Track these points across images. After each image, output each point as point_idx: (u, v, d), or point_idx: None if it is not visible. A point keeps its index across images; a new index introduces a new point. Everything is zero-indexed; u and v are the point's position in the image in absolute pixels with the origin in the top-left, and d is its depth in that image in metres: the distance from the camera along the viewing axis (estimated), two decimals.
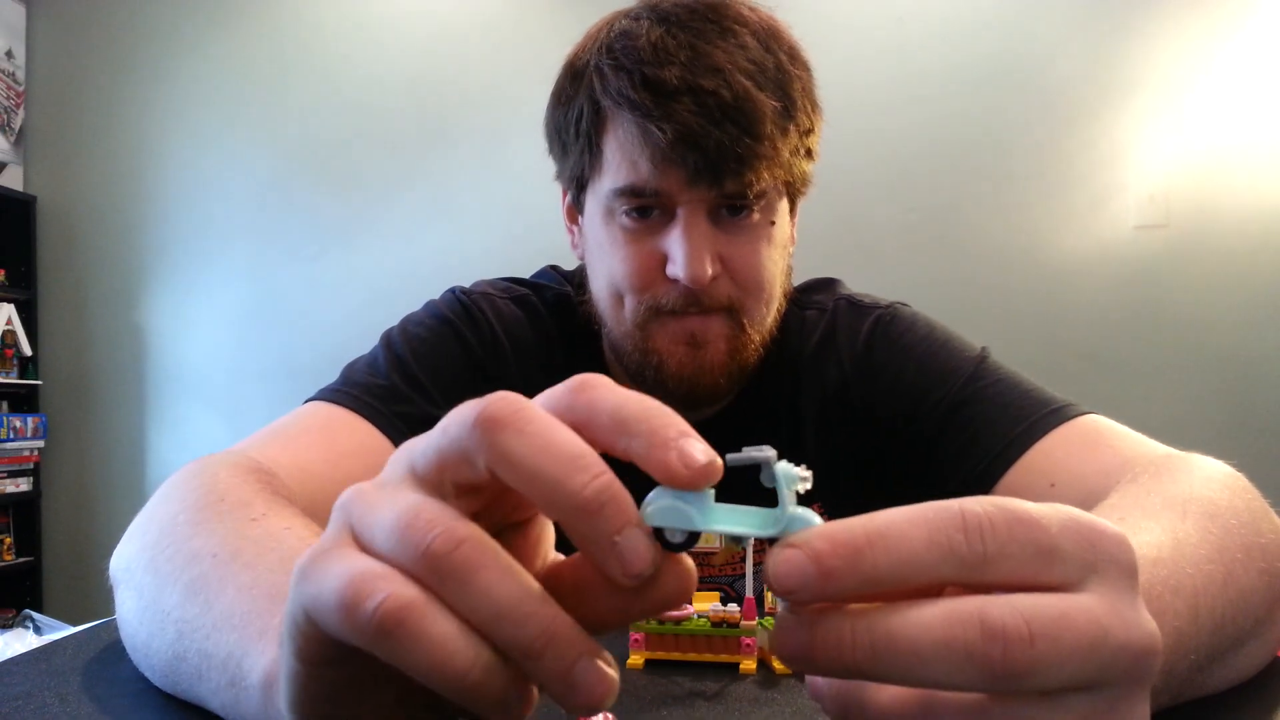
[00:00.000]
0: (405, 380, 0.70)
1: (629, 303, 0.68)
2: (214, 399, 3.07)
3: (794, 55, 0.67)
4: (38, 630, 2.58)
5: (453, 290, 0.78)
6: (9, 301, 3.02)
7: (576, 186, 0.72)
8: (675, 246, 0.64)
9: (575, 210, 0.75)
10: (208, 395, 3.08)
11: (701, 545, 0.26)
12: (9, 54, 3.16)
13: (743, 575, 0.77)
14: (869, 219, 2.69)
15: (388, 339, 0.74)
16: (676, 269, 0.64)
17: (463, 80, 2.96)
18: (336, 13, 3.07)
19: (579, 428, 0.25)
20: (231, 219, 3.10)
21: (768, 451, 0.27)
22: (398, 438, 0.66)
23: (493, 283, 0.80)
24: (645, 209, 0.66)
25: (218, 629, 0.36)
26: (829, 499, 0.66)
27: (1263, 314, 2.51)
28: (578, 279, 0.80)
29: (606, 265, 0.69)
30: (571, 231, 0.78)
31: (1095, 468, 0.59)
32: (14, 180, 3.15)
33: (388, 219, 2.99)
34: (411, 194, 2.98)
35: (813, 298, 0.81)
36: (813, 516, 0.26)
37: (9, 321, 3.00)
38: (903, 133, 2.71)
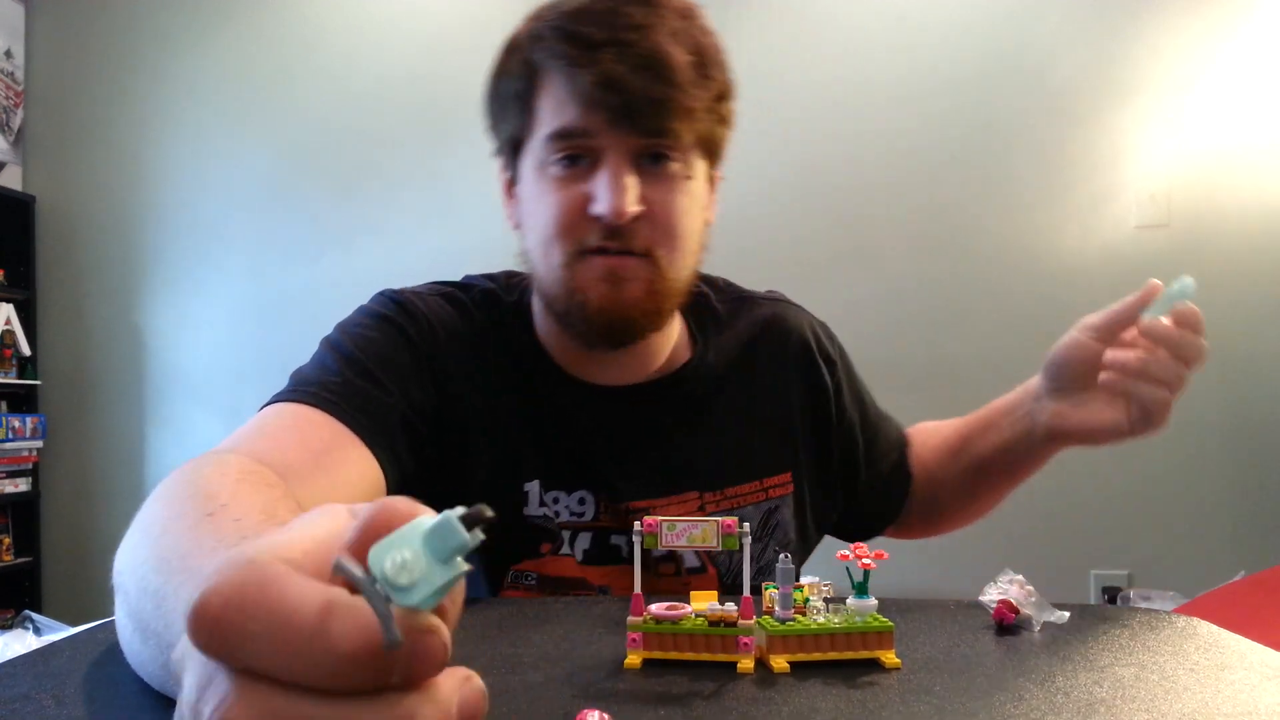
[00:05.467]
0: (359, 375, 0.72)
1: (557, 246, 0.73)
2: (213, 399, 3.07)
3: (707, 31, 0.74)
4: (37, 631, 2.58)
5: (381, 293, 0.82)
6: (8, 301, 3.01)
7: (512, 150, 0.77)
8: (600, 185, 0.70)
9: (511, 183, 0.80)
10: (207, 396, 3.08)
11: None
12: (8, 54, 3.15)
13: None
14: (869, 219, 2.69)
15: (330, 343, 0.77)
16: (600, 205, 0.70)
17: (463, 80, 2.94)
18: (337, 12, 3.07)
19: None
20: (231, 219, 3.09)
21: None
22: (362, 433, 0.68)
23: (417, 286, 0.84)
24: (574, 157, 0.71)
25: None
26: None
27: (1263, 314, 2.51)
28: (502, 278, 0.85)
29: (538, 216, 0.74)
30: (508, 205, 0.82)
31: None
32: (13, 180, 3.15)
33: (388, 219, 2.99)
34: (411, 194, 2.98)
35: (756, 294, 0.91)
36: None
37: (8, 321, 3.00)
38: (903, 132, 2.71)
